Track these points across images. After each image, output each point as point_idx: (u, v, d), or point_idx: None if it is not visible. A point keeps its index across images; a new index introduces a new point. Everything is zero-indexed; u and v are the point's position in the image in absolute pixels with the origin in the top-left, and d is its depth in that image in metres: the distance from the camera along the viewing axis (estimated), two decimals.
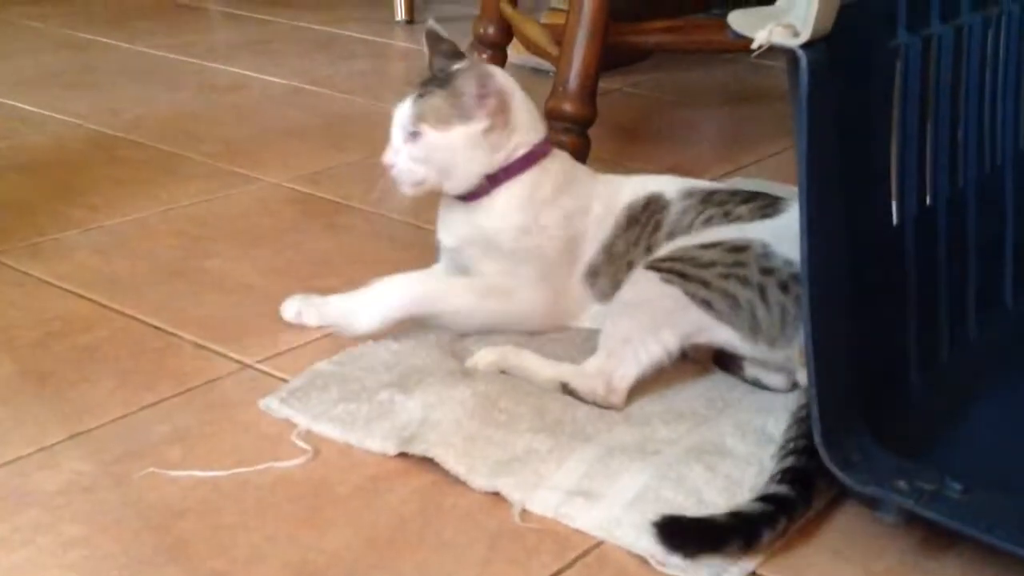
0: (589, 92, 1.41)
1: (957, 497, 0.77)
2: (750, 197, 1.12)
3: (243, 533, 0.84)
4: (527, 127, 1.13)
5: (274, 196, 1.55)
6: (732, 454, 0.92)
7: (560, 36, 1.58)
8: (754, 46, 0.78)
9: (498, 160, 1.11)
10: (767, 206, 1.09)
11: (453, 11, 2.86)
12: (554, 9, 2.28)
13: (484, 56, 1.85)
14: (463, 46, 1.97)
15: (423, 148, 1.09)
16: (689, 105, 2.16)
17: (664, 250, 1.07)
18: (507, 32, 1.83)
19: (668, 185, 1.16)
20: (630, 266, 1.11)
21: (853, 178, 0.84)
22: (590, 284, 1.14)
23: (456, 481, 0.90)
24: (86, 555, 0.81)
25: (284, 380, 1.05)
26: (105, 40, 2.37)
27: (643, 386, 1.03)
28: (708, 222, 1.10)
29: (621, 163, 1.70)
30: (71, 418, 0.98)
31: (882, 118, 0.92)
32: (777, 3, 0.81)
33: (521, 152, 1.12)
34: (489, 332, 1.11)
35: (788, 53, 0.77)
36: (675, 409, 1.00)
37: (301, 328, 1.15)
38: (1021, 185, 1.16)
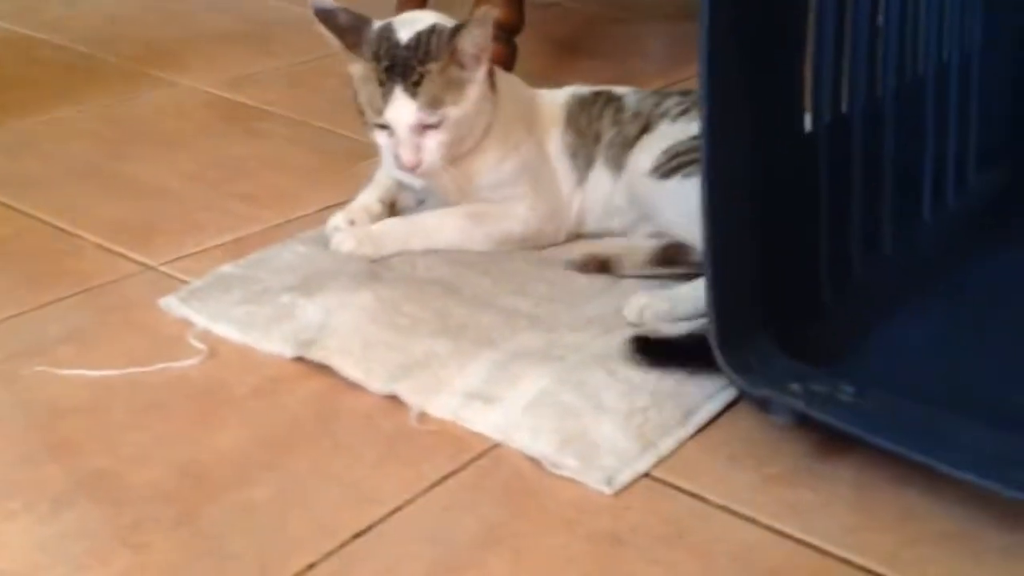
0: (516, 1, 1.37)
1: (850, 400, 0.77)
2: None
3: (132, 432, 0.82)
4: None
5: (193, 100, 1.50)
6: (635, 361, 0.91)
7: None
8: None
9: (492, 98, 1.08)
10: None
11: None
12: None
13: None
14: None
15: (451, 129, 1.03)
16: (630, 21, 2.13)
17: (656, 144, 1.08)
18: None
19: (604, 87, 1.18)
20: (597, 138, 1.13)
21: (763, 83, 0.82)
22: (572, 164, 1.13)
23: (356, 385, 0.88)
24: None
25: (187, 282, 1.03)
26: None
27: (553, 293, 1.02)
28: (686, 113, 1.10)
29: (553, 78, 1.66)
30: None
31: (796, 19, 0.90)
32: None
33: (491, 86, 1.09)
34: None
35: None
36: (585, 316, 0.99)
37: (209, 231, 1.13)
38: (942, 97, 1.15)
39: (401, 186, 1.15)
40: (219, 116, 1.46)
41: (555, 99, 1.16)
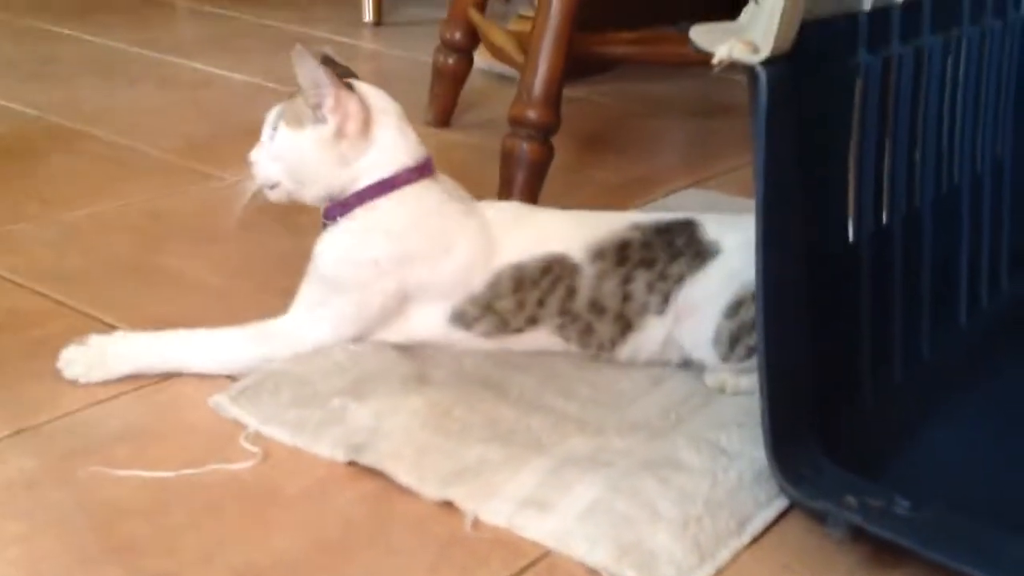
0: (553, 99, 1.41)
1: (905, 514, 0.78)
2: (674, 247, 1.08)
3: (189, 534, 0.83)
4: (393, 148, 1.07)
5: (234, 194, 1.53)
6: (686, 467, 0.92)
7: (524, 43, 1.58)
8: (714, 61, 0.79)
9: (350, 175, 1.06)
10: (695, 251, 1.07)
11: (418, 14, 2.85)
12: (522, 16, 2.28)
13: (450, 61, 1.84)
14: (430, 50, 1.97)
15: (276, 146, 1.08)
16: (654, 116, 2.17)
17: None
18: (474, 37, 1.83)
19: (569, 239, 1.08)
20: (531, 322, 1.07)
21: (810, 195, 0.84)
22: (460, 328, 1.07)
23: (407, 488, 0.89)
24: (26, 553, 0.80)
25: (235, 379, 1.04)
26: (68, 32, 2.34)
27: (599, 395, 1.03)
28: (652, 289, 1.06)
29: (581, 172, 1.71)
30: (18, 413, 0.96)
31: (841, 136, 0.93)
32: (739, 19, 0.82)
33: (379, 174, 1.06)
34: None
35: (748, 70, 0.78)
36: (629, 419, 1.00)
37: None
38: (976, 203, 1.17)
39: None
40: (258, 210, 1.47)
41: (491, 255, 1.07)
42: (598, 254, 1.07)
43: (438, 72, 1.85)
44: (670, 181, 1.73)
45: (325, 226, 1.10)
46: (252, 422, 0.96)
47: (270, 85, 2.08)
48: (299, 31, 2.55)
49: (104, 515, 0.85)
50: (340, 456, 0.92)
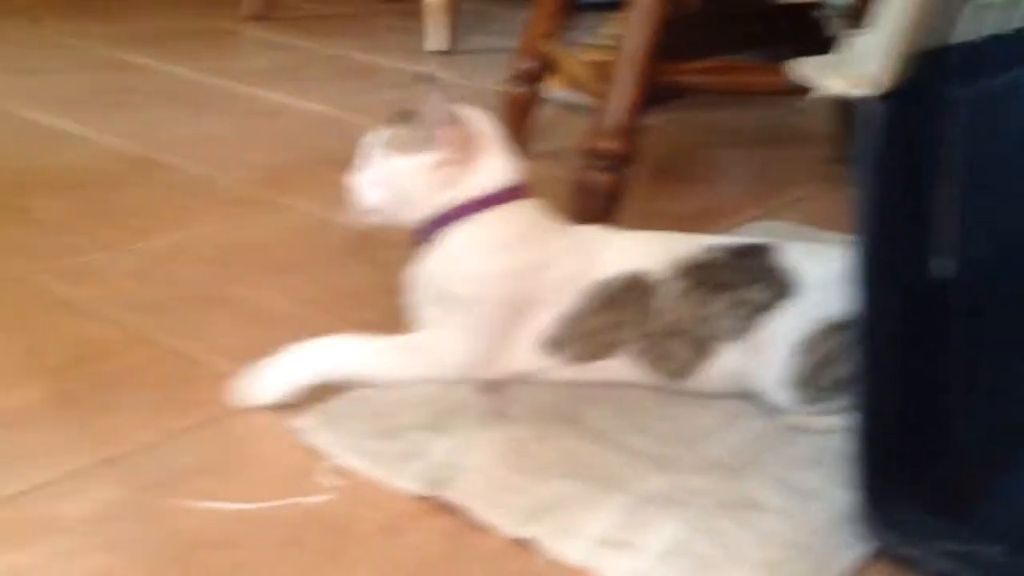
0: (629, 130, 1.41)
1: (1001, 559, 0.76)
2: (754, 272, 1.07)
3: (268, 569, 0.83)
4: (493, 169, 1.10)
5: (309, 225, 1.55)
6: (765, 508, 0.91)
7: (602, 73, 1.58)
8: (823, 94, 0.77)
9: (454, 196, 1.09)
10: (772, 278, 1.07)
11: (487, 43, 2.87)
12: (588, 45, 2.28)
13: (521, 90, 1.85)
14: (499, 79, 1.98)
15: (381, 172, 1.10)
16: (720, 145, 2.16)
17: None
18: (544, 67, 1.83)
19: (652, 256, 1.09)
20: (610, 348, 1.08)
21: (909, 229, 0.83)
22: (549, 354, 1.08)
23: (484, 525, 0.89)
24: None
25: (313, 412, 1.05)
26: (143, 61, 2.39)
27: (674, 431, 1.02)
28: (728, 314, 1.06)
29: (652, 201, 1.70)
30: (99, 443, 0.97)
31: (939, 169, 0.91)
32: (837, 53, 0.81)
33: (480, 193, 1.09)
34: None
35: (859, 104, 0.77)
36: (706, 457, 0.98)
37: None
38: None
39: None
40: (334, 241, 1.50)
41: (581, 273, 1.08)
42: (677, 273, 1.08)
43: (509, 102, 1.86)
44: (739, 211, 1.72)
45: (419, 244, 1.12)
46: (331, 452, 0.96)
47: (339, 114, 2.10)
48: (367, 59, 2.58)
49: (185, 548, 0.85)
50: (419, 490, 0.92)
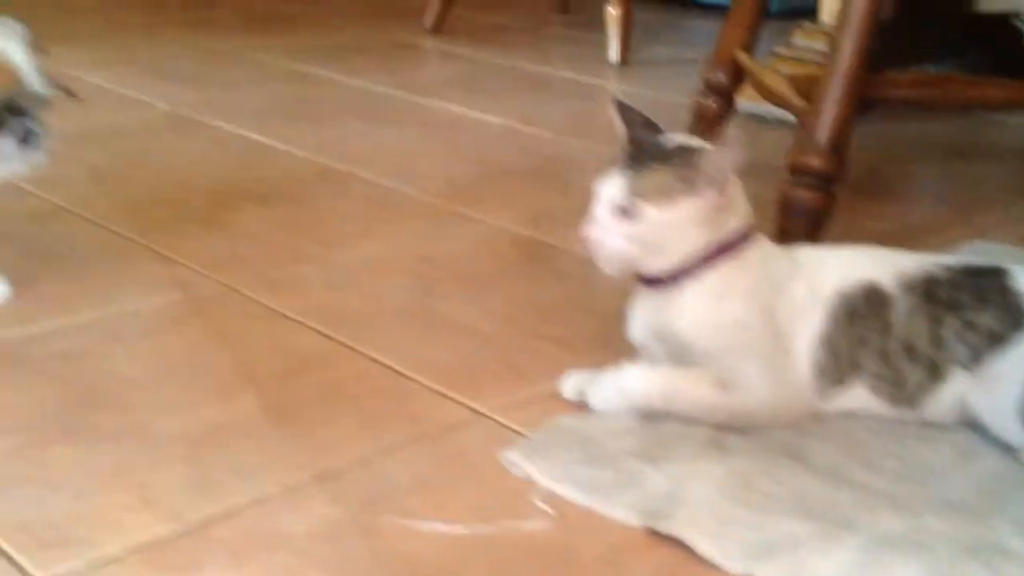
0: (840, 147, 1.34)
1: None
2: (983, 294, 1.02)
3: None
4: (741, 207, 1.04)
5: (498, 238, 1.54)
6: (1014, 555, 0.84)
7: (803, 86, 1.52)
8: None
9: (712, 242, 1.02)
10: (1006, 303, 1.00)
11: (664, 53, 2.83)
12: (779, 56, 2.22)
13: (712, 103, 1.80)
14: (683, 89, 1.93)
15: (640, 226, 1.00)
16: (917, 159, 2.06)
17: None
18: (738, 79, 1.78)
19: (878, 268, 1.05)
20: (855, 366, 1.02)
21: None
22: (819, 384, 1.03)
23: (705, 560, 0.85)
24: None
25: (519, 432, 1.03)
26: (326, 74, 2.44)
27: (905, 468, 0.96)
28: (960, 337, 1.00)
29: (853, 220, 1.62)
30: (315, 458, 0.98)
31: None
32: None
33: (734, 234, 1.03)
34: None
35: None
36: (945, 498, 0.92)
37: (531, 376, 1.13)
38: None
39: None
40: (523, 255, 1.49)
41: (818, 290, 1.04)
42: (908, 287, 1.03)
43: (699, 115, 1.81)
44: (945, 230, 1.63)
45: (653, 288, 1.05)
46: (544, 479, 0.94)
47: (520, 126, 2.10)
48: (542, 71, 2.57)
49: (402, 569, 0.84)
50: (636, 521, 0.89)
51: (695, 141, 1.04)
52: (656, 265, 1.03)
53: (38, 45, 1.16)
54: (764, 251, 1.06)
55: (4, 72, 1.13)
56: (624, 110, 1.08)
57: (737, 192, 1.04)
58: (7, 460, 0.95)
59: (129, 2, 3.25)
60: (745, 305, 1.02)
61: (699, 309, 1.02)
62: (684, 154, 1.01)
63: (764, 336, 1.02)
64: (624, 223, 1.01)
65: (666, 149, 1.02)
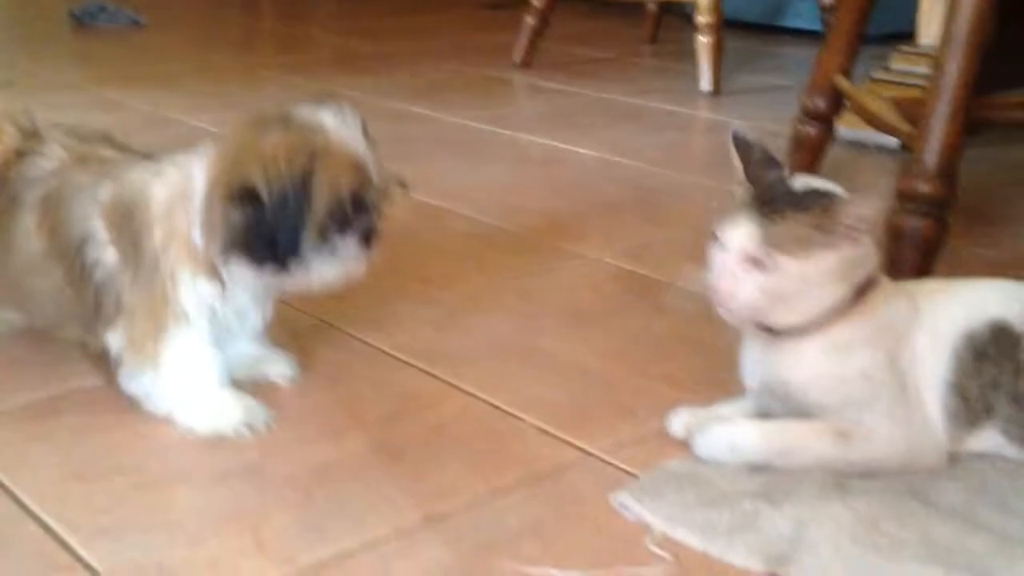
0: (950, 172, 1.30)
1: None
2: None
3: None
4: (873, 255, 0.98)
5: (598, 272, 1.52)
6: None
7: (906, 110, 1.48)
8: None
9: (844, 292, 0.96)
10: None
11: (756, 81, 2.80)
12: (875, 80, 2.17)
13: (812, 130, 1.76)
14: (778, 117, 1.90)
15: (778, 279, 0.94)
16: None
17: None
18: (837, 105, 1.74)
19: (1006, 305, 0.99)
20: (988, 411, 0.98)
21: None
22: (950, 429, 0.98)
23: None
24: None
25: (630, 473, 1.01)
26: (419, 111, 2.46)
27: None
28: None
29: (965, 248, 1.57)
30: (424, 500, 0.96)
31: None
32: None
33: (863, 280, 0.97)
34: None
35: None
36: None
37: (641, 416, 1.11)
38: None
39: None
40: (625, 289, 1.47)
41: (942, 331, 0.98)
42: None
43: (798, 142, 1.78)
44: None
45: (768, 336, 1.00)
46: (658, 522, 0.92)
47: (616, 159, 2.08)
48: (634, 102, 2.55)
49: None
50: (757, 566, 0.86)
51: (829, 186, 0.98)
52: (787, 319, 0.97)
53: (371, 135, 1.07)
54: (887, 295, 1.00)
55: (351, 165, 1.02)
56: (741, 145, 1.01)
57: (870, 245, 0.98)
58: (122, 502, 0.96)
59: (222, 45, 3.32)
60: (868, 356, 0.97)
61: (821, 363, 0.97)
62: (822, 202, 0.94)
63: (888, 385, 0.97)
64: (757, 273, 0.94)
65: (801, 195, 0.95)
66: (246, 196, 1.00)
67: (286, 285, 1.08)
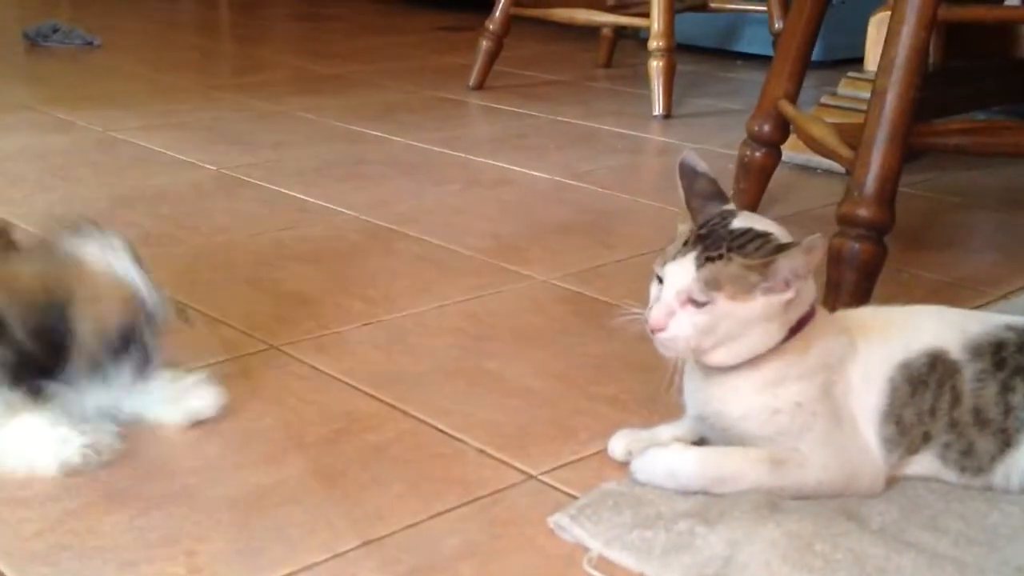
0: (888, 197, 1.32)
1: None
2: None
3: None
4: (809, 289, 0.99)
5: (545, 294, 1.53)
6: None
7: (848, 136, 1.51)
8: None
9: (784, 332, 0.97)
10: None
11: (708, 105, 2.82)
12: (822, 106, 2.20)
13: (758, 155, 1.79)
14: (728, 141, 1.92)
15: (714, 317, 0.95)
16: (971, 208, 2.03)
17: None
18: (784, 130, 1.77)
19: (943, 333, 1.01)
20: (926, 438, 0.99)
21: None
22: (888, 456, 1.00)
23: None
24: None
25: (570, 494, 1.01)
26: (373, 133, 2.46)
27: (970, 531, 0.93)
28: None
29: (904, 270, 1.60)
30: (362, 523, 0.96)
31: None
32: None
33: (801, 315, 0.98)
34: None
35: None
36: (1011, 562, 0.88)
37: (581, 438, 1.12)
38: None
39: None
40: (572, 311, 1.47)
41: (878, 364, 1.00)
42: (975, 353, 0.99)
43: (744, 166, 1.80)
44: (1003, 282, 1.59)
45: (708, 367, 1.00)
46: (595, 544, 0.92)
47: (567, 181, 2.09)
48: (587, 126, 2.57)
49: None
50: None
51: (768, 225, 0.99)
52: (721, 357, 0.98)
53: (139, 257, 1.05)
54: (821, 329, 1.01)
55: (117, 297, 1.01)
56: (688, 174, 1.02)
57: (808, 283, 0.99)
58: (54, 528, 0.95)
59: (178, 66, 3.31)
60: (801, 388, 0.98)
61: (753, 398, 0.98)
62: (762, 246, 0.96)
63: (820, 414, 0.98)
64: (692, 310, 0.96)
65: (739, 235, 0.96)
66: None
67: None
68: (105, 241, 1.04)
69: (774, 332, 0.97)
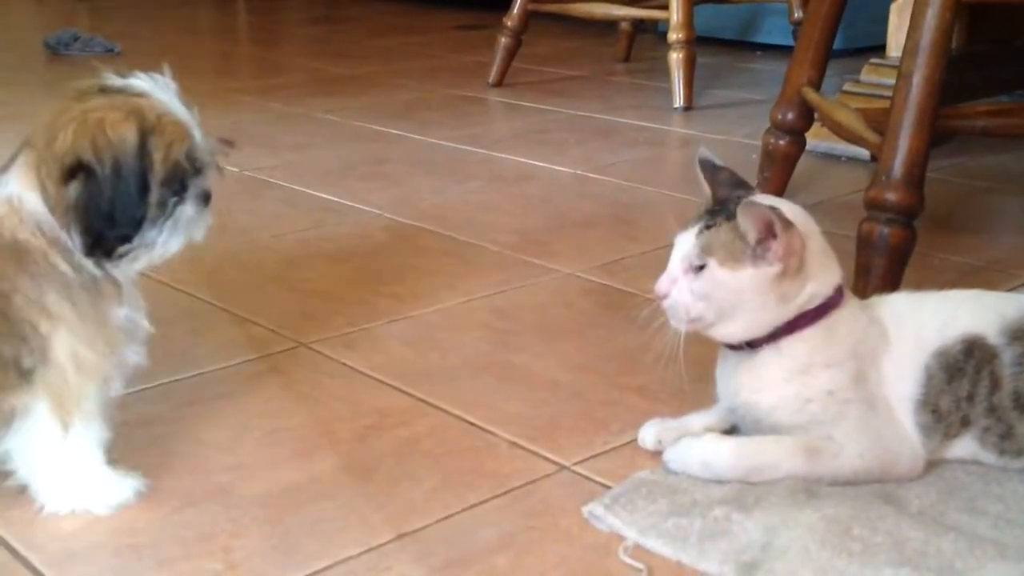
0: (916, 180, 1.31)
1: None
2: None
3: None
4: (823, 272, 0.99)
5: (571, 287, 1.52)
6: None
7: (873, 121, 1.50)
8: None
9: (788, 312, 0.98)
10: None
11: (728, 96, 2.81)
12: (849, 93, 2.19)
13: (782, 143, 1.77)
14: (751, 131, 1.92)
15: (706, 283, 0.97)
16: (1000, 192, 2.01)
17: None
18: (808, 117, 1.76)
19: (979, 317, 0.99)
20: (964, 423, 0.98)
21: None
22: (926, 442, 0.99)
23: None
24: None
25: (603, 484, 1.01)
26: (394, 132, 2.46)
27: (1009, 513, 0.92)
28: None
29: (933, 254, 1.59)
30: (396, 517, 0.96)
31: None
32: None
33: (814, 303, 0.98)
34: None
35: None
36: None
37: (613, 428, 1.11)
38: None
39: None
40: (598, 304, 1.47)
41: (913, 353, 0.99)
42: (1014, 336, 0.97)
43: (769, 154, 1.79)
44: None
45: (738, 350, 1.01)
46: (630, 533, 0.92)
47: (590, 175, 2.09)
48: (608, 119, 2.56)
49: None
50: (730, 573, 0.86)
51: (782, 205, 0.99)
52: (726, 331, 0.99)
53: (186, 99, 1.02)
54: (850, 317, 1.00)
55: (179, 128, 0.98)
56: (709, 169, 1.04)
57: (818, 252, 0.99)
58: (90, 526, 0.95)
59: (197, 71, 3.32)
60: (831, 376, 0.97)
61: (781, 385, 0.98)
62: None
63: (855, 401, 0.97)
64: (692, 278, 0.98)
65: (736, 205, 0.97)
66: (77, 170, 0.93)
67: (133, 266, 0.99)
68: (153, 77, 1.02)
69: (771, 308, 0.97)
